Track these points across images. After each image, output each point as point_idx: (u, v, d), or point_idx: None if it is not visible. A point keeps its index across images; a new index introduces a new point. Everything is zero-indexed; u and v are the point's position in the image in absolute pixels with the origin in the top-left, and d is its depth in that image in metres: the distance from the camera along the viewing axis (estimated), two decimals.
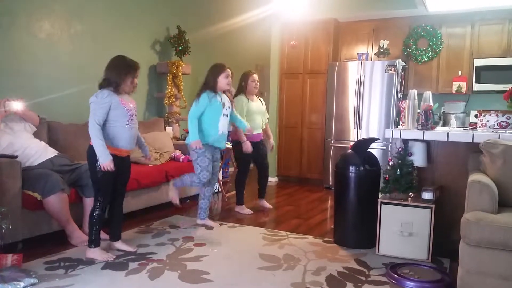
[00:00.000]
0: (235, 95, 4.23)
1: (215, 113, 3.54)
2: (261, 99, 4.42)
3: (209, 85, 3.56)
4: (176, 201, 3.77)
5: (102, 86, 2.85)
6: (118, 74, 2.83)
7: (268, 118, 4.52)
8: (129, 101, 2.95)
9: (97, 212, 2.85)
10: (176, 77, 5.31)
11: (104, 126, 2.81)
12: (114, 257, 2.76)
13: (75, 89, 4.29)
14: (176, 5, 5.72)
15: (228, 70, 3.60)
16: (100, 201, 2.86)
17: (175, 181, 3.74)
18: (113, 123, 2.83)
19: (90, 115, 2.78)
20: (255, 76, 4.24)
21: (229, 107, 3.67)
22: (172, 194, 3.74)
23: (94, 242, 2.86)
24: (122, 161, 2.93)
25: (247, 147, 4.07)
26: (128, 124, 2.88)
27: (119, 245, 3.08)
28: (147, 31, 5.29)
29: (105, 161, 2.75)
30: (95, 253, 2.83)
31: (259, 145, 4.30)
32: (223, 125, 3.60)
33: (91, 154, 2.81)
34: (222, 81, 3.56)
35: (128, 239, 3.29)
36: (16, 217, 2.90)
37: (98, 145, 2.75)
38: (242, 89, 4.22)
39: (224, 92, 3.66)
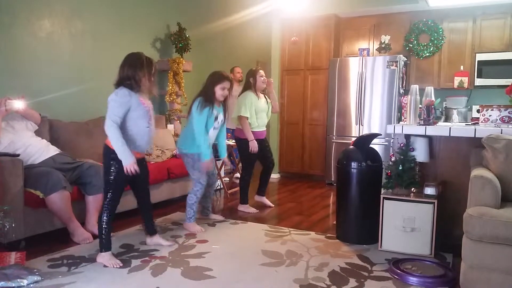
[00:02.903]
0: (243, 91, 4.22)
1: (208, 125, 3.48)
2: (266, 96, 4.37)
3: (207, 93, 3.49)
4: (198, 228, 3.52)
5: (119, 84, 2.73)
6: (135, 71, 2.71)
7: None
8: (146, 100, 2.84)
9: (105, 217, 2.73)
10: (177, 74, 5.30)
11: (124, 128, 2.71)
12: (122, 264, 2.72)
13: (76, 87, 4.28)
14: (176, 2, 5.70)
15: (226, 81, 3.51)
16: (109, 204, 2.75)
17: (186, 218, 3.56)
18: (135, 126, 2.74)
19: (107, 114, 2.66)
20: (262, 72, 4.22)
21: (222, 120, 3.62)
22: (192, 229, 3.51)
23: (104, 246, 2.75)
24: (138, 163, 2.85)
25: (254, 146, 4.06)
26: (148, 127, 2.82)
27: (156, 239, 3.13)
28: (148, 29, 5.27)
29: (128, 163, 2.65)
30: (104, 258, 2.74)
31: (263, 142, 4.30)
32: (211, 138, 3.55)
33: (107, 154, 2.72)
34: (218, 92, 3.49)
35: (131, 236, 3.30)
36: (18, 215, 2.90)
37: (119, 145, 2.63)
38: (250, 85, 4.18)
39: (222, 101, 3.59)
